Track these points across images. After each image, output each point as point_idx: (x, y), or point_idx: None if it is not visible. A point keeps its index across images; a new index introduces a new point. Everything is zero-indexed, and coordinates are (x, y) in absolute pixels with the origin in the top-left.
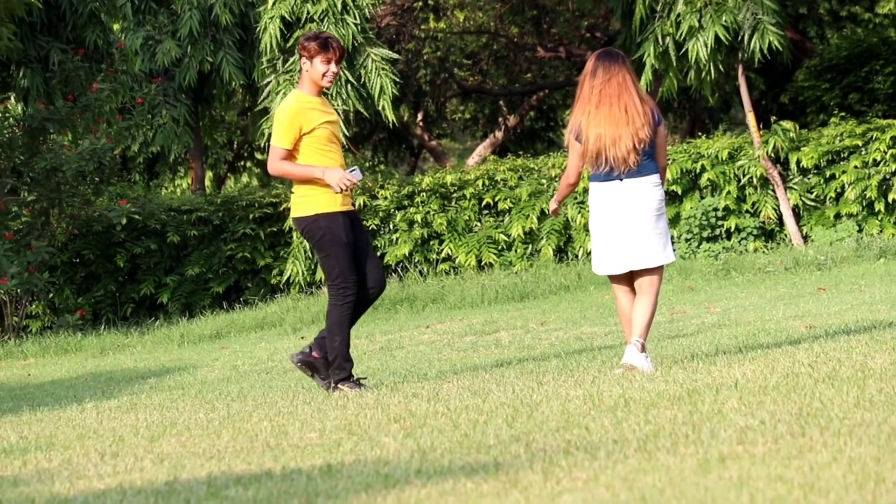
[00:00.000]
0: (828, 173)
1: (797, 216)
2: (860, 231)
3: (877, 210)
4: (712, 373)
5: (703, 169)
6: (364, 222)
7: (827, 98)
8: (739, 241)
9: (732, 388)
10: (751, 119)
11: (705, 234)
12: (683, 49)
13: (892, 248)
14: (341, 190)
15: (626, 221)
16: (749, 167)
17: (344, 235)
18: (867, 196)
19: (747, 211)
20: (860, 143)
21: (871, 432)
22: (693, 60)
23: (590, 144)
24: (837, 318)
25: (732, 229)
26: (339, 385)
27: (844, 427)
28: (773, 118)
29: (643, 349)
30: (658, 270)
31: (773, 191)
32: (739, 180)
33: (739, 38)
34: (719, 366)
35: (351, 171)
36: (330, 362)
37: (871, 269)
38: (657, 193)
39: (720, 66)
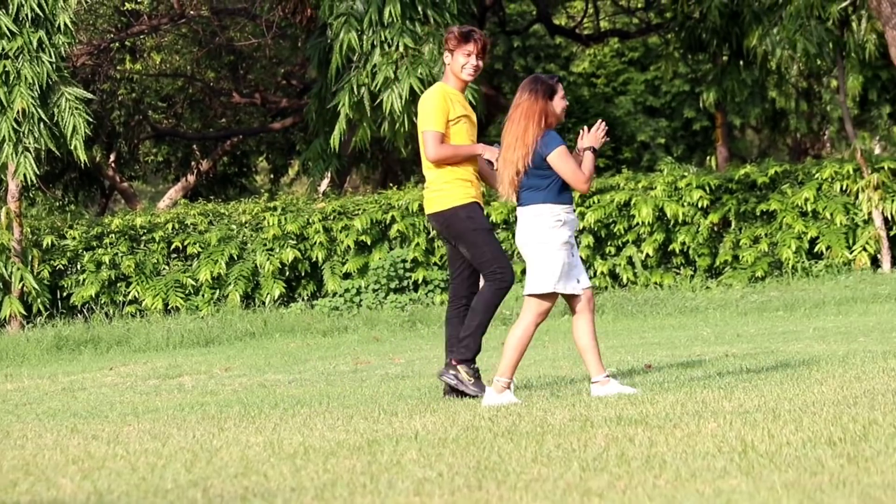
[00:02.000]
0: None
1: None
2: None
3: None
4: (393, 423)
5: (394, 220)
6: (51, 261)
7: None
8: (426, 293)
9: (412, 440)
10: None
11: (393, 286)
12: (378, 100)
13: None
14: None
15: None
16: None
17: (485, 222)
18: None
19: (435, 263)
20: None
21: (546, 487)
22: (388, 111)
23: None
24: (520, 373)
25: (420, 281)
26: (459, 365)
27: (521, 482)
28: None
29: (505, 386)
30: (525, 300)
31: None
32: (429, 233)
33: None
34: (400, 417)
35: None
36: (460, 339)
37: (555, 326)
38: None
39: (414, 118)
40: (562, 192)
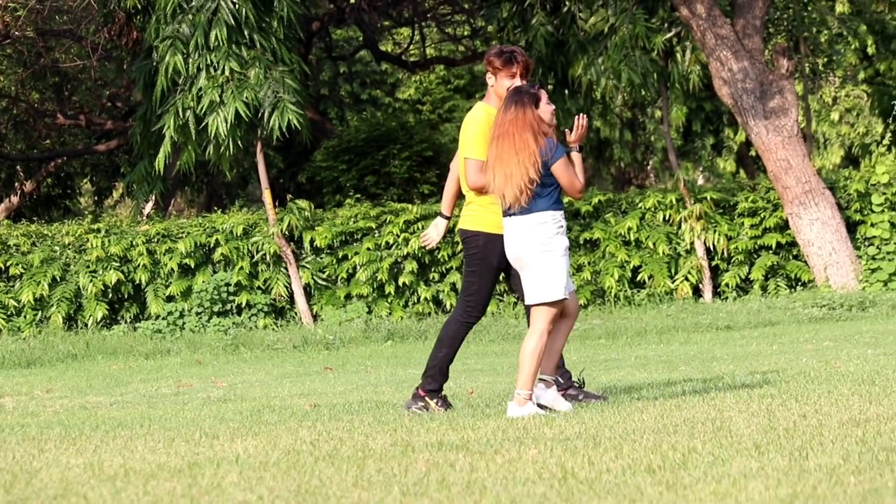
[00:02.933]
0: (340, 254)
1: (308, 295)
2: (370, 312)
3: (387, 292)
4: (214, 447)
5: (218, 243)
6: None
7: (344, 179)
8: (250, 318)
9: (233, 463)
10: (267, 196)
11: (216, 309)
12: (204, 123)
13: (399, 330)
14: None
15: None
16: (263, 244)
17: (495, 261)
18: (378, 278)
19: (259, 287)
20: (374, 225)
21: None
22: (213, 135)
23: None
24: (342, 397)
25: (244, 305)
26: (425, 395)
27: None
28: (289, 196)
29: (527, 398)
30: (535, 310)
31: (286, 268)
32: (253, 256)
33: (260, 115)
34: (221, 440)
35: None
36: (426, 369)
37: (378, 351)
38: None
39: (239, 142)
40: (560, 199)
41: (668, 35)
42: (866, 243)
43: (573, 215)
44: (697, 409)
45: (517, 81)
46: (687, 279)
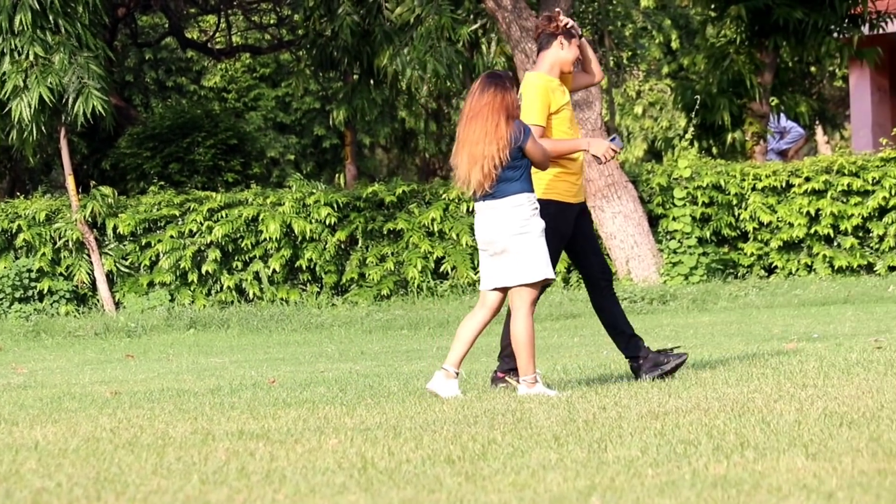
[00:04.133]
0: (144, 241)
1: (111, 282)
2: (172, 300)
3: (190, 280)
4: (13, 433)
5: (20, 229)
6: None
7: (148, 166)
8: (52, 304)
9: (32, 450)
10: (70, 182)
11: (18, 295)
12: (7, 108)
13: (202, 318)
14: (605, 160)
15: None
16: (66, 230)
17: (565, 229)
18: (181, 266)
19: (61, 274)
20: (178, 213)
21: (165, 499)
22: (16, 120)
23: None
24: (143, 385)
25: (45, 291)
26: (504, 375)
27: (140, 493)
28: (93, 183)
29: (533, 381)
30: (515, 293)
31: (89, 255)
32: (55, 243)
33: (64, 100)
34: (21, 427)
35: (612, 140)
36: (500, 351)
37: (180, 339)
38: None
39: (43, 128)
40: (531, 180)
41: (474, 26)
42: (668, 237)
43: (377, 205)
44: (498, 400)
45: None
46: None
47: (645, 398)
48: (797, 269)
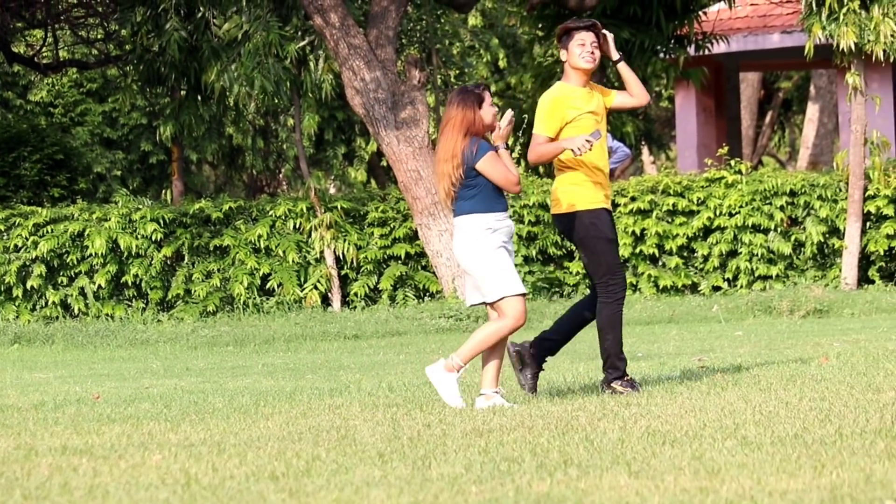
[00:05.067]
0: None
1: None
2: None
3: (14, 295)
4: None
5: None
6: None
7: None
8: None
9: None
10: None
11: None
12: None
13: (26, 333)
14: (580, 153)
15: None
16: None
17: (609, 232)
18: (6, 281)
19: None
20: (2, 227)
21: None
22: None
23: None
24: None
25: None
26: (612, 384)
27: None
28: None
29: (457, 368)
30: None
31: None
32: None
33: None
34: None
35: (592, 134)
36: (603, 361)
37: (4, 354)
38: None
39: None
40: (491, 200)
41: (302, 43)
42: None
43: (203, 222)
44: (323, 417)
45: (588, 47)
46: (316, 288)
47: (469, 416)
48: None
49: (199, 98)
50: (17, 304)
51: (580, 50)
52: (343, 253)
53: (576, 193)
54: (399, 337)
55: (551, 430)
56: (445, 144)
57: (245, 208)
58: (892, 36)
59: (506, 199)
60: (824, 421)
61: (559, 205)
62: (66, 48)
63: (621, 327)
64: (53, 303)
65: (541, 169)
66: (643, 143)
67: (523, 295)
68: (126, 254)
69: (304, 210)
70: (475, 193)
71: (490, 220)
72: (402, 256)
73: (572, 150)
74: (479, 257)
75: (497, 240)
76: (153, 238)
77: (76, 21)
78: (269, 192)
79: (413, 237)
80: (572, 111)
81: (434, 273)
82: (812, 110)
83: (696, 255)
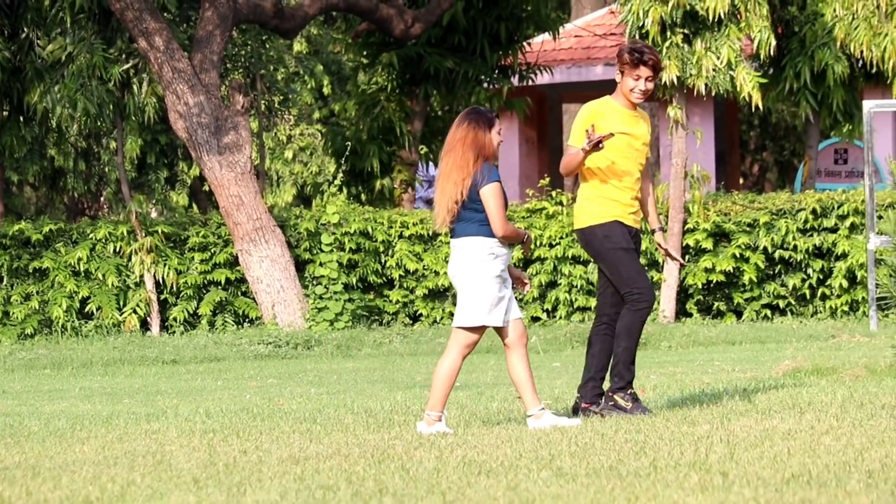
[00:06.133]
0: None
1: None
2: None
3: None
4: None
5: None
6: None
7: None
8: None
9: None
10: None
11: None
12: None
13: None
14: (587, 151)
15: None
16: None
17: (625, 242)
18: None
19: None
20: None
21: None
22: None
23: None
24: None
25: None
26: (615, 395)
27: None
28: None
29: (436, 419)
30: (453, 332)
31: None
32: None
33: None
34: None
35: (602, 135)
36: (611, 367)
37: None
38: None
39: None
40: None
41: (126, 66)
42: (315, 282)
43: (23, 243)
44: (139, 442)
45: (642, 85)
46: (135, 312)
47: (286, 443)
48: (441, 318)
49: (22, 119)
50: None
51: (633, 84)
52: (163, 277)
53: (588, 209)
54: (218, 363)
55: (367, 459)
56: (456, 161)
57: (65, 231)
58: (713, 70)
59: None
60: (639, 453)
61: (575, 220)
62: None
63: (638, 338)
64: None
65: (363, 196)
66: None
67: (483, 329)
68: None
69: (125, 234)
70: (483, 217)
71: (494, 245)
72: (223, 282)
73: (583, 150)
74: (475, 280)
75: (496, 267)
76: None
77: None
78: (91, 216)
79: (234, 263)
80: (604, 128)
81: (254, 299)
82: None
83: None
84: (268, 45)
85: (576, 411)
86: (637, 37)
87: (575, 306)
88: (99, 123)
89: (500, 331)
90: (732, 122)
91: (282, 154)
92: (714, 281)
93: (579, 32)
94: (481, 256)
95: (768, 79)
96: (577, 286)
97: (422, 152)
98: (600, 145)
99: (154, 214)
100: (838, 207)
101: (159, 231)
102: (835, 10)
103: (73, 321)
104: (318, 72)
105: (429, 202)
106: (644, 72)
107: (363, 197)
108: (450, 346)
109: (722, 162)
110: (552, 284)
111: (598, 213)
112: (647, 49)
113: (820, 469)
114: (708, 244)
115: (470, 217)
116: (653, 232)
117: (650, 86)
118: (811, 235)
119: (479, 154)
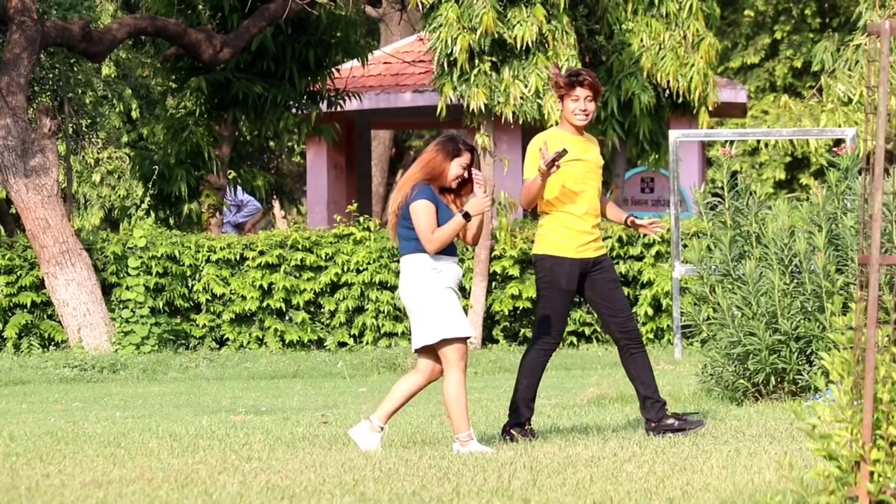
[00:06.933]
0: None
1: None
2: None
3: None
4: None
5: None
6: None
7: None
8: None
9: None
10: None
11: None
12: None
13: None
14: (545, 172)
15: None
16: None
17: (564, 283)
18: None
19: None
20: None
21: None
22: None
23: None
24: None
25: None
26: (511, 429)
27: None
28: None
29: (470, 437)
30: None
31: None
32: None
33: None
34: None
35: (555, 152)
36: (510, 403)
37: None
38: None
39: None
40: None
41: None
42: (121, 306)
43: None
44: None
45: (581, 105)
46: None
47: (90, 466)
48: (248, 342)
49: None
50: None
51: (573, 105)
52: None
53: (547, 238)
54: (22, 385)
55: (171, 483)
56: (408, 176)
57: None
58: (521, 98)
59: (456, 245)
60: (442, 479)
61: (535, 245)
62: None
63: (539, 376)
64: None
65: (171, 220)
66: (274, 197)
67: (466, 338)
68: None
69: None
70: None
71: (433, 262)
72: (28, 305)
73: (540, 172)
74: (422, 296)
75: (443, 281)
76: None
77: None
78: None
79: (39, 286)
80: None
81: (60, 322)
82: None
83: (322, 310)
84: (76, 69)
85: (658, 431)
86: (445, 64)
87: (382, 331)
88: None
89: (422, 352)
90: None
91: (89, 177)
92: (520, 308)
93: (388, 59)
94: (425, 272)
95: None
96: (384, 311)
97: (230, 177)
98: (556, 164)
99: None
100: (644, 236)
101: None
102: (642, 41)
103: None
104: (126, 96)
105: (237, 227)
106: (582, 92)
107: (171, 221)
108: (446, 365)
109: None
110: (359, 310)
111: (555, 244)
112: (584, 71)
113: (622, 496)
114: (515, 271)
115: (406, 235)
116: (626, 222)
117: (591, 106)
118: (617, 263)
119: (431, 178)
